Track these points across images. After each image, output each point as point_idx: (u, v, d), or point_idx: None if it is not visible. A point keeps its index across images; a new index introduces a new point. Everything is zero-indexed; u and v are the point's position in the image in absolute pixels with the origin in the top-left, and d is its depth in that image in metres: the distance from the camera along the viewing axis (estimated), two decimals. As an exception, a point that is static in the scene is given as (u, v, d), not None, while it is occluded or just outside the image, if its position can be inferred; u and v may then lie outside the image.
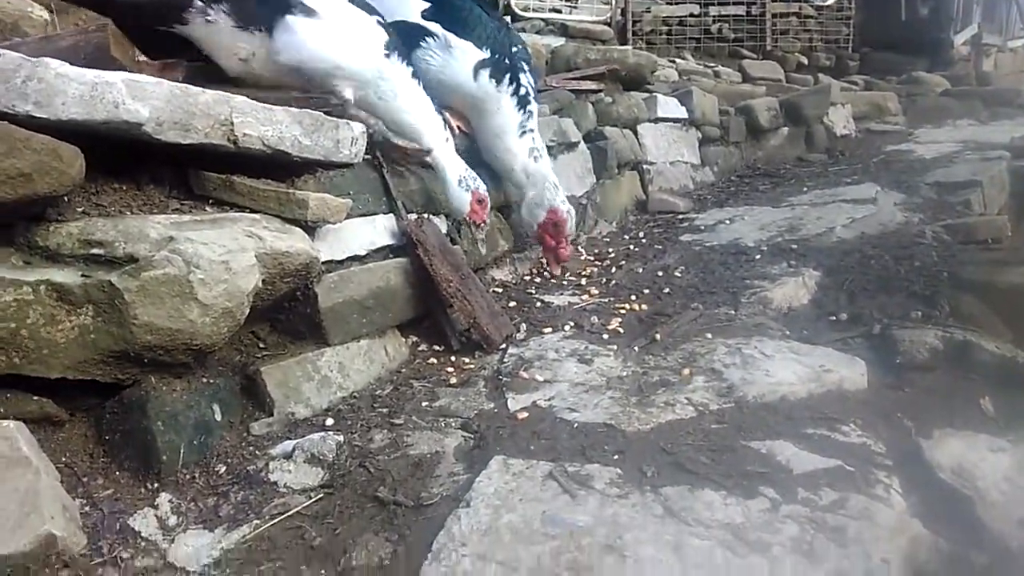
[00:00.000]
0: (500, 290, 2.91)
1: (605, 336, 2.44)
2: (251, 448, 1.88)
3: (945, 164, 4.91)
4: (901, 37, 9.50)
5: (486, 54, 2.73)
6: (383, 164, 2.52)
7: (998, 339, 2.46)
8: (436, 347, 2.42)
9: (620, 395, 2.06)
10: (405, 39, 2.54)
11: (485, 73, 2.74)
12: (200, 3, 2.21)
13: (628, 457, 1.79)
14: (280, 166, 2.23)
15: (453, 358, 2.36)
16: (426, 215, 2.53)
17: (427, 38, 2.71)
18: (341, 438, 1.91)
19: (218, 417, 1.89)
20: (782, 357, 2.23)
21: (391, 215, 2.47)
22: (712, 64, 7.61)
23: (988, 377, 2.20)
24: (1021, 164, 4.70)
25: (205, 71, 2.43)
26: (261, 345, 2.12)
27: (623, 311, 2.64)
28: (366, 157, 2.46)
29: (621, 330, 2.48)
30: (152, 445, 1.72)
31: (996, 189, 4.33)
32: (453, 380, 2.23)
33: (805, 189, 4.43)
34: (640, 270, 3.06)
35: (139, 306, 1.68)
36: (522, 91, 2.81)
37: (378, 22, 2.38)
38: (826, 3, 8.98)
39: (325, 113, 2.28)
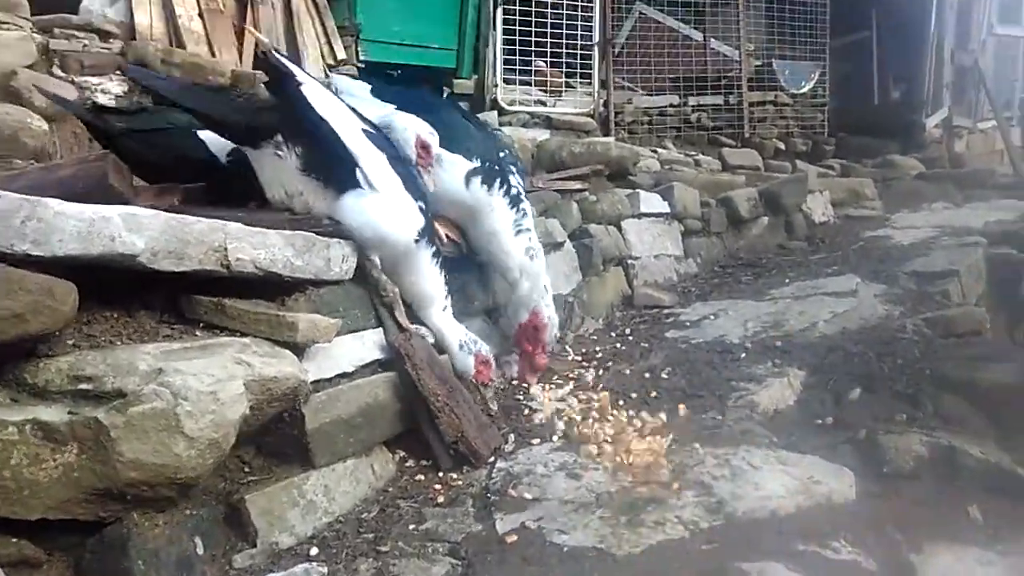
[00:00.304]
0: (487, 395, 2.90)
1: (593, 449, 2.42)
2: (235, 582, 1.85)
3: (923, 251, 4.98)
4: (874, 121, 9.78)
5: (476, 163, 2.80)
6: (371, 280, 2.54)
7: (982, 440, 2.48)
8: (423, 462, 2.39)
9: (610, 514, 2.04)
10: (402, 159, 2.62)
11: (476, 180, 2.81)
12: (279, 138, 2.35)
13: (619, 584, 1.76)
14: (271, 286, 2.25)
15: (440, 474, 2.33)
16: (414, 327, 2.55)
17: None
18: (325, 570, 1.88)
19: (200, 551, 1.85)
20: (770, 468, 2.22)
21: (379, 329, 2.49)
22: (693, 152, 7.78)
23: (974, 484, 2.22)
24: (996, 252, 4.79)
25: (199, 193, 2.49)
26: (246, 470, 2.10)
27: (611, 419, 2.61)
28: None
29: (609, 439, 2.46)
30: (132, 586, 1.68)
31: (973, 278, 4.40)
32: (440, 499, 2.20)
33: (787, 280, 4.48)
34: (627, 371, 3.07)
35: (125, 442, 1.67)
36: (513, 191, 2.87)
37: (420, 208, 2.49)
38: (800, 91, 9.26)
39: (316, 233, 2.33)
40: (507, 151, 3.00)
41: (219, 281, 2.15)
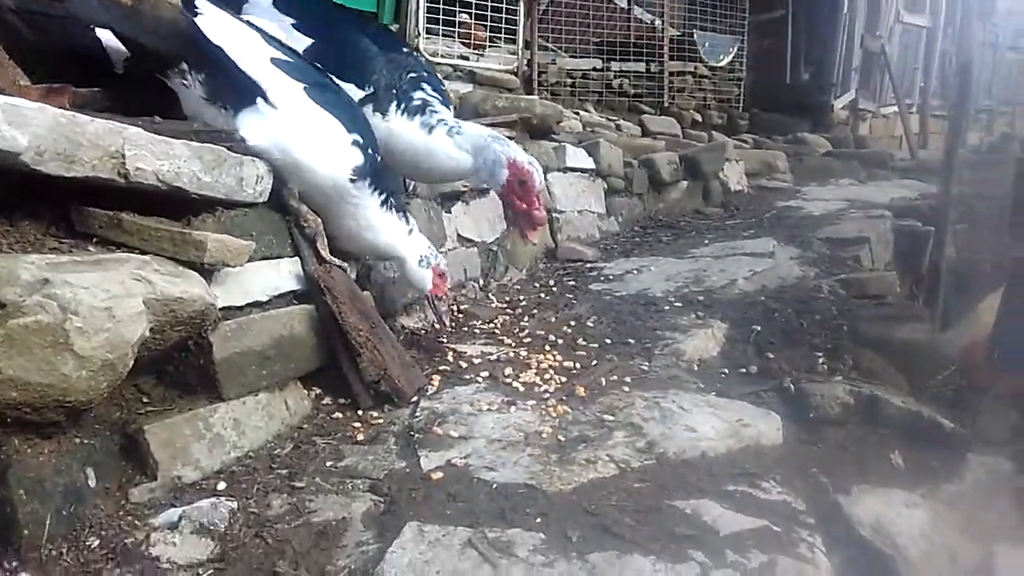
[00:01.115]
0: (410, 338, 2.78)
1: (521, 388, 2.35)
2: (130, 518, 1.67)
3: (833, 221, 5.14)
4: (786, 99, 10.04)
5: (368, 91, 2.57)
6: (290, 209, 2.36)
7: (898, 393, 2.52)
8: (341, 400, 2.26)
9: (540, 452, 1.97)
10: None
11: (368, 109, 2.57)
12: (184, 66, 2.26)
13: (551, 520, 1.69)
14: (176, 204, 2.04)
15: (360, 412, 2.20)
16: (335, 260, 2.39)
17: None
18: (235, 504, 1.72)
19: (92, 483, 1.66)
20: (699, 411, 2.20)
21: (296, 259, 2.31)
22: (614, 117, 7.78)
23: (895, 431, 2.24)
24: (902, 224, 4.97)
25: (94, 99, 2.23)
26: (145, 400, 1.91)
27: (538, 363, 2.55)
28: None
29: (538, 382, 2.39)
30: (12, 517, 1.49)
31: (882, 246, 4.55)
32: (360, 436, 2.07)
33: (706, 241, 4.52)
34: (552, 319, 3.00)
35: (4, 358, 1.46)
36: (415, 103, 2.61)
37: (356, 143, 2.29)
38: (719, 63, 9.39)
39: (228, 148, 2.12)
40: (417, 72, 2.70)
41: (116, 193, 1.93)
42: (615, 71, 8.62)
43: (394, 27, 7.06)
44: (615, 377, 2.45)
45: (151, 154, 1.93)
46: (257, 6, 2.67)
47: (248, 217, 2.20)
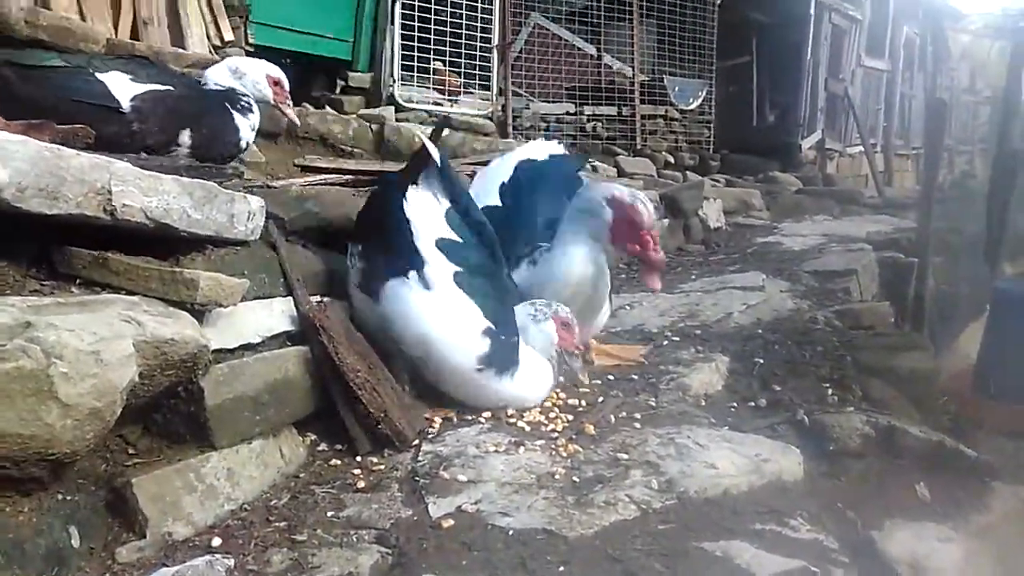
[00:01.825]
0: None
1: (527, 428, 2.24)
2: (118, 580, 1.52)
3: (815, 255, 5.14)
4: (755, 141, 10.23)
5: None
6: (279, 242, 2.26)
7: (910, 421, 2.46)
8: (338, 446, 2.13)
9: (555, 495, 1.85)
10: None
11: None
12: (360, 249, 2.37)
13: (575, 568, 1.57)
14: (164, 242, 1.93)
15: (359, 458, 2.07)
16: (327, 298, 2.28)
17: None
18: (231, 562, 1.58)
19: (75, 543, 1.51)
20: (716, 447, 2.10)
21: (289, 298, 2.20)
22: (590, 160, 7.80)
23: (916, 461, 2.17)
24: (885, 256, 4.99)
25: (82, 134, 2.12)
26: (131, 451, 1.77)
27: (542, 401, 2.44)
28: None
29: (544, 421, 2.28)
30: (-12, 585, 1.33)
31: (869, 278, 4.55)
32: (361, 484, 1.94)
33: (693, 276, 4.48)
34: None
35: (-19, 407, 1.33)
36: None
37: (487, 330, 2.24)
38: (689, 107, 9.52)
39: (218, 183, 2.02)
40: None
41: (101, 231, 1.82)
42: (588, 115, 8.70)
43: (368, 75, 7.06)
44: (624, 414, 2.36)
45: (139, 190, 1.83)
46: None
47: (239, 255, 2.09)
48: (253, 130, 2.86)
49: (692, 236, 5.99)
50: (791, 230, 6.48)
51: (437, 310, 2.20)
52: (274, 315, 2.13)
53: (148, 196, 1.85)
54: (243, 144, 2.84)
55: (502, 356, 2.26)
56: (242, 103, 2.80)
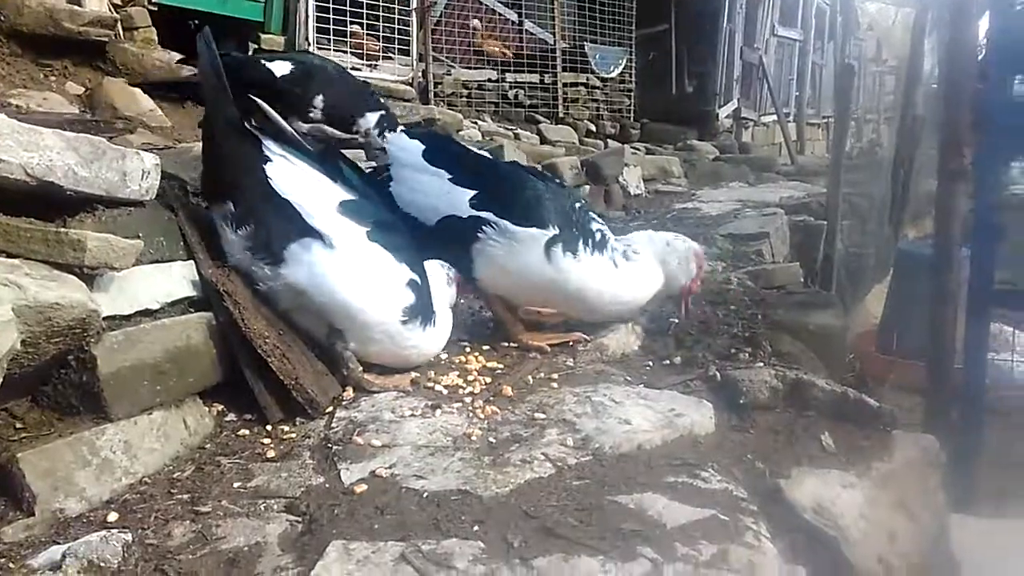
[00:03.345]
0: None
1: (444, 391, 2.21)
2: (3, 560, 1.42)
3: (730, 219, 5.26)
4: (673, 109, 10.36)
5: (553, 231, 2.47)
6: (179, 203, 2.15)
7: (819, 376, 2.52)
8: (248, 416, 2.05)
9: (471, 455, 1.83)
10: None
11: (556, 251, 2.47)
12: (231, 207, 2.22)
13: (490, 526, 1.55)
14: (49, 202, 1.79)
15: (269, 427, 2.00)
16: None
17: (487, 227, 2.47)
18: (129, 536, 1.50)
19: (-46, 524, 1.41)
20: (632, 403, 2.12)
21: (190, 262, 2.09)
22: (511, 127, 7.76)
23: (823, 413, 2.23)
24: (796, 219, 5.13)
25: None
26: (18, 426, 1.66)
27: (459, 363, 2.42)
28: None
29: (461, 384, 2.26)
30: None
31: (780, 240, 4.67)
32: (271, 453, 1.88)
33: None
34: (469, 321, 2.87)
35: None
36: (597, 236, 2.56)
37: (411, 281, 2.25)
38: (610, 75, 9.55)
39: (108, 138, 1.89)
40: (579, 201, 2.69)
41: (-24, 190, 1.68)
42: (510, 82, 8.63)
43: (281, 37, 6.80)
44: (542, 375, 2.35)
45: (18, 144, 1.69)
46: (401, 162, 2.61)
47: (133, 216, 1.97)
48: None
49: (613, 202, 6.04)
50: (708, 196, 6.60)
51: (357, 269, 2.15)
52: (174, 280, 2.03)
53: (28, 151, 1.71)
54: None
55: (424, 306, 2.27)
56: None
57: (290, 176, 2.20)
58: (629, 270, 2.60)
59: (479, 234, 2.47)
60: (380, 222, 2.27)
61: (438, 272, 2.42)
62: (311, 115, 3.55)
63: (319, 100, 3.55)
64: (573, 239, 2.50)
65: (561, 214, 2.52)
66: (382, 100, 4.05)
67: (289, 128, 2.41)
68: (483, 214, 2.48)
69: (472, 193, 2.51)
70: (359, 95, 3.76)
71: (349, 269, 2.14)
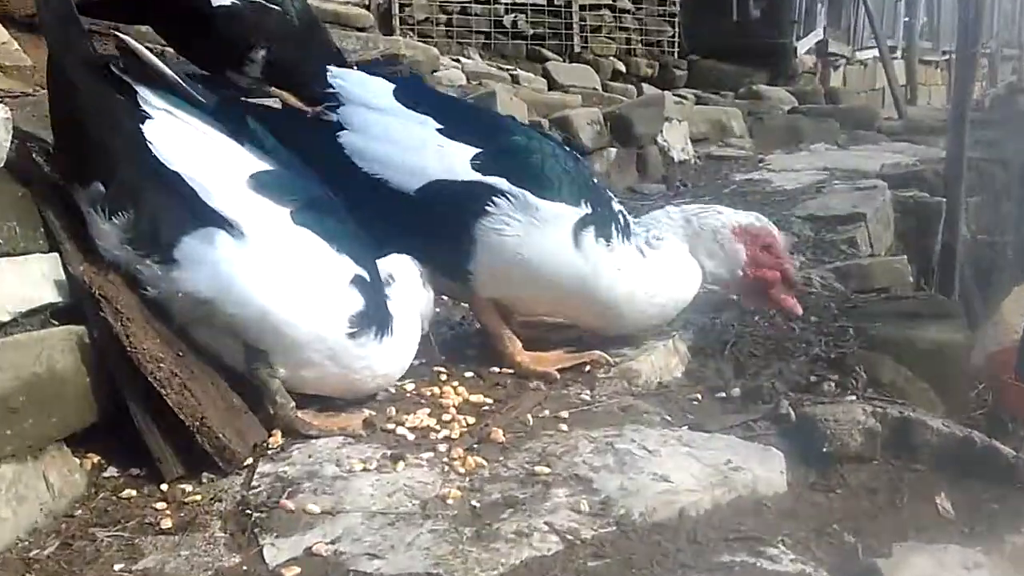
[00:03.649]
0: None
1: (410, 435, 2.23)
2: None
3: (811, 195, 5.28)
4: (735, 43, 10.35)
5: (585, 209, 2.53)
6: (38, 174, 2.16)
7: (932, 413, 2.54)
8: (135, 471, 2.07)
9: (446, 526, 1.85)
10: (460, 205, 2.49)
11: (588, 235, 2.53)
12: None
13: (470, 627, 1.55)
14: None
15: (165, 487, 2.01)
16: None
17: (497, 198, 2.49)
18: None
19: None
20: (672, 453, 2.14)
21: (54, 255, 2.10)
22: (508, 66, 7.78)
23: (938, 466, 2.24)
24: (904, 196, 5.15)
25: None
26: None
27: (432, 396, 2.45)
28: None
29: (433, 425, 2.28)
30: None
31: (881, 225, 4.70)
32: (167, 523, 1.89)
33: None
34: (449, 336, 2.89)
35: None
36: (621, 219, 2.63)
37: (357, 278, 2.26)
38: (645, -8, 9.57)
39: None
40: (592, 172, 2.82)
41: None
42: (506, 4, 8.62)
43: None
44: (546, 412, 2.37)
45: None
46: (359, 102, 2.63)
47: (-27, 193, 1.98)
48: None
49: (648, 171, 6.07)
50: (781, 164, 6.63)
51: (280, 264, 2.17)
52: (30, 280, 2.04)
53: None
54: None
55: (377, 311, 2.29)
56: None
57: (179, 139, 2.21)
58: (658, 261, 2.64)
59: (487, 207, 2.49)
60: (310, 199, 2.28)
61: (405, 267, 2.43)
62: (247, 68, 3.45)
63: (263, 52, 3.42)
64: (606, 221, 2.55)
65: (590, 188, 2.57)
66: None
67: (169, 70, 2.38)
68: (492, 180, 2.50)
69: (474, 151, 2.54)
70: (323, 51, 3.61)
71: (269, 266, 2.14)
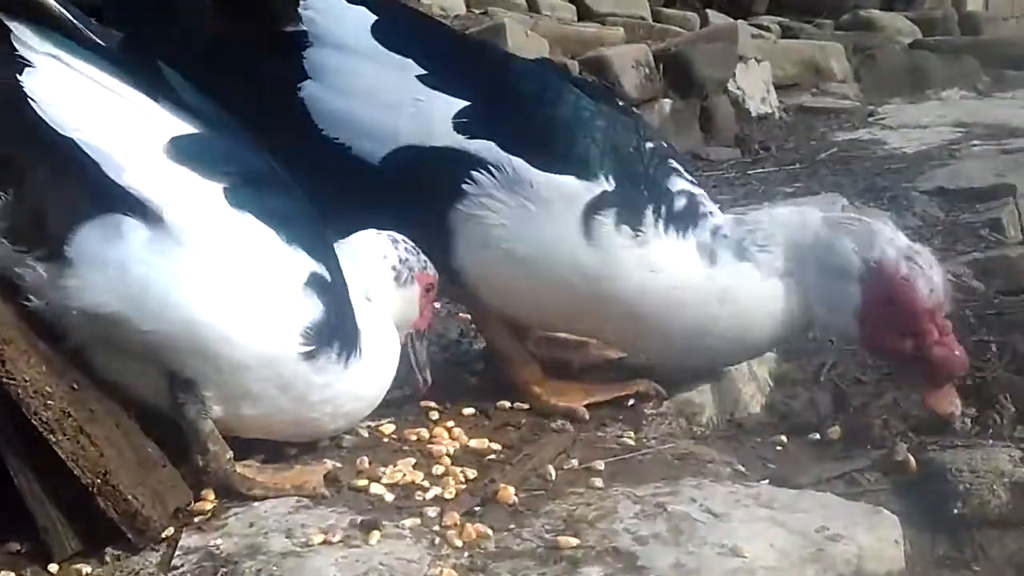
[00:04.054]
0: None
1: (389, 496, 2.24)
2: None
3: (940, 162, 5.26)
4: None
5: (602, 185, 2.53)
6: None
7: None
8: (15, 546, 2.11)
9: (437, 622, 1.86)
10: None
11: (608, 220, 2.53)
12: None
13: None
14: None
15: (55, 568, 2.04)
16: None
17: (477, 172, 2.51)
18: None
19: None
20: (744, 516, 2.15)
21: None
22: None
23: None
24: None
25: None
26: None
27: (418, 440, 2.48)
28: None
29: (423, 481, 2.30)
30: None
31: (1037, 201, 4.66)
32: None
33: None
34: (439, 359, 2.90)
35: None
36: (681, 203, 2.62)
37: (313, 278, 2.30)
38: None
39: None
40: (655, 142, 2.73)
41: None
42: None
43: None
44: (574, 462, 2.39)
45: None
46: (330, 42, 2.66)
47: None
48: None
49: (717, 131, 6.08)
50: (899, 118, 6.62)
51: (211, 263, 2.19)
52: None
53: None
54: None
55: (342, 322, 2.31)
56: None
57: (71, 94, 2.22)
58: (738, 275, 2.58)
59: (465, 184, 2.51)
60: (249, 171, 2.30)
61: (375, 251, 2.45)
62: None
63: None
64: (637, 202, 2.53)
65: (619, 155, 2.55)
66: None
67: (55, 1, 2.38)
68: (476, 145, 2.52)
69: (460, 105, 2.55)
70: None
71: (196, 264, 2.16)
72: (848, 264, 2.52)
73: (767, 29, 8.46)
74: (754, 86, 6.45)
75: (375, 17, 2.65)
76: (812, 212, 2.66)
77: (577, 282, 2.51)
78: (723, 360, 2.72)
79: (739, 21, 7.74)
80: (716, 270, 2.57)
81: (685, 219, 2.58)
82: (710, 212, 2.64)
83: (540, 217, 2.48)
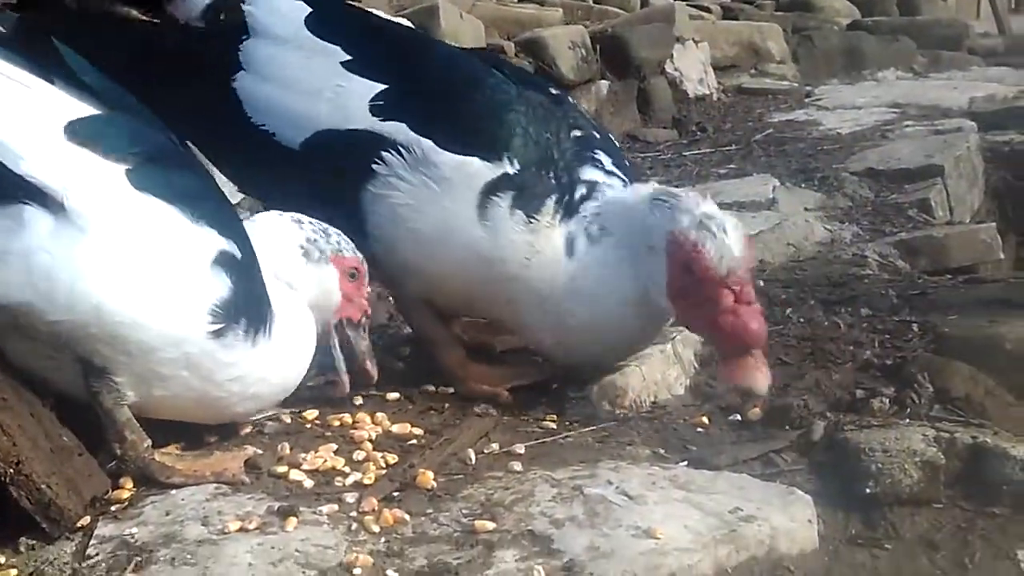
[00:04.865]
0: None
1: (309, 482, 2.24)
2: None
3: (872, 142, 5.29)
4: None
5: (505, 167, 2.54)
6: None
7: (1019, 437, 2.55)
8: None
9: (352, 607, 1.86)
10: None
11: (503, 204, 2.53)
12: None
13: None
14: None
15: (-36, 558, 2.02)
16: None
17: (387, 153, 2.51)
18: None
19: None
20: (662, 498, 2.16)
21: None
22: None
23: (1021, 509, 2.24)
24: (998, 140, 5.16)
25: None
26: None
27: (340, 426, 2.47)
28: None
29: (343, 467, 2.29)
30: None
31: (965, 181, 4.70)
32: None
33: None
34: (371, 336, 2.89)
35: None
36: (581, 193, 2.60)
37: (221, 256, 2.29)
38: None
39: None
40: (582, 129, 2.73)
41: None
42: None
43: None
44: (494, 446, 2.39)
45: None
46: (266, 34, 2.67)
47: None
48: None
49: (654, 112, 6.08)
50: (836, 99, 6.65)
51: (115, 245, 2.17)
52: None
53: None
54: None
55: (252, 301, 2.31)
56: None
57: None
58: (585, 266, 2.58)
59: (375, 165, 2.52)
60: (152, 151, 2.28)
61: (278, 232, 2.44)
62: None
63: None
64: (540, 189, 2.54)
65: (530, 141, 2.55)
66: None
67: None
68: (389, 127, 2.53)
69: (378, 88, 2.56)
70: None
71: (100, 251, 2.14)
72: (656, 238, 2.50)
73: (707, 10, 8.45)
74: (692, 67, 6.48)
75: (310, 9, 2.67)
76: (642, 189, 2.63)
77: (471, 263, 2.53)
78: (589, 359, 2.69)
79: (678, 2, 7.71)
80: (571, 261, 2.57)
81: (577, 209, 2.58)
82: (600, 201, 2.61)
83: (442, 196, 2.49)
